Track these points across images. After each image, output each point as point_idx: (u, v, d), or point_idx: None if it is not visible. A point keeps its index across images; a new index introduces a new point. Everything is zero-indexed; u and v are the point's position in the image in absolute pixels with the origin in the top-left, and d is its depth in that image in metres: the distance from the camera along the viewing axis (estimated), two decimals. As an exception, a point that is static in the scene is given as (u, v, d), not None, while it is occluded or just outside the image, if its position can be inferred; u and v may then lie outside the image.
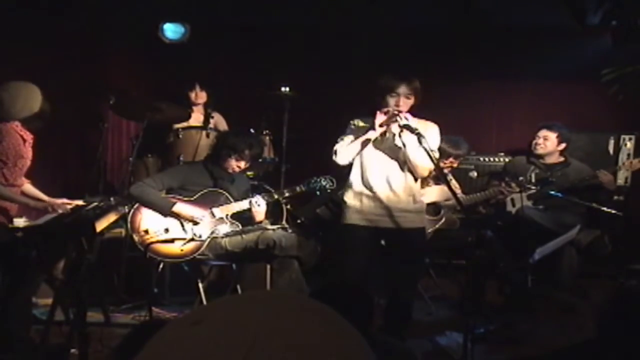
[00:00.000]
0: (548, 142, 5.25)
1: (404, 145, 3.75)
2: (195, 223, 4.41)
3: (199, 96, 5.77)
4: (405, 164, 3.85)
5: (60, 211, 3.84)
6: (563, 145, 5.26)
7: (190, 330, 0.94)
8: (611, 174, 5.24)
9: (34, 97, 3.74)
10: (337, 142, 3.89)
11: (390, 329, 3.85)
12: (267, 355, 0.89)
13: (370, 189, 3.84)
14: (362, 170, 3.88)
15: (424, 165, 3.78)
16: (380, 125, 3.73)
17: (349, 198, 3.89)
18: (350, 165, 3.92)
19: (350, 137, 3.86)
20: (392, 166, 3.86)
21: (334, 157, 3.85)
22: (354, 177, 3.89)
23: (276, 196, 4.66)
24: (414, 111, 3.82)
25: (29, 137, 3.87)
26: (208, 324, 0.94)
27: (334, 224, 4.57)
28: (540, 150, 5.29)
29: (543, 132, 5.29)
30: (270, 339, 0.90)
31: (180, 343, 0.93)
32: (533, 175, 5.20)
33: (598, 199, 5.10)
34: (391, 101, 3.74)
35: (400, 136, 3.75)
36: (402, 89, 3.73)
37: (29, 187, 4.03)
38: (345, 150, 3.83)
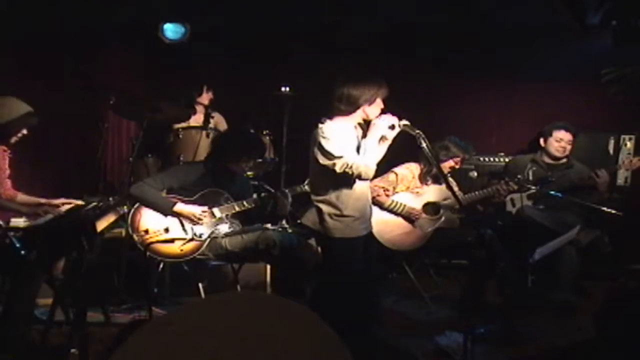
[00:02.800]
0: (569, 146, 5.23)
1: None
2: (196, 223, 4.41)
3: (206, 97, 5.82)
4: None
5: (56, 212, 3.85)
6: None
7: (161, 332, 0.96)
8: (611, 173, 5.22)
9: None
10: (337, 159, 3.61)
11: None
12: (235, 358, 0.90)
13: (363, 193, 3.81)
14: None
15: None
16: (391, 127, 3.66)
17: (346, 208, 3.75)
18: (329, 175, 3.71)
19: (350, 147, 3.68)
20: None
21: (365, 174, 3.62)
22: (345, 185, 3.74)
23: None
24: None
25: (0, 149, 3.94)
26: (178, 326, 0.96)
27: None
28: (562, 153, 5.24)
29: (567, 136, 5.22)
30: (238, 342, 0.91)
31: (152, 343, 0.95)
32: (530, 173, 5.19)
33: (589, 200, 5.09)
34: (381, 104, 3.75)
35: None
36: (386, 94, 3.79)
37: (22, 196, 4.07)
38: (373, 161, 3.66)
